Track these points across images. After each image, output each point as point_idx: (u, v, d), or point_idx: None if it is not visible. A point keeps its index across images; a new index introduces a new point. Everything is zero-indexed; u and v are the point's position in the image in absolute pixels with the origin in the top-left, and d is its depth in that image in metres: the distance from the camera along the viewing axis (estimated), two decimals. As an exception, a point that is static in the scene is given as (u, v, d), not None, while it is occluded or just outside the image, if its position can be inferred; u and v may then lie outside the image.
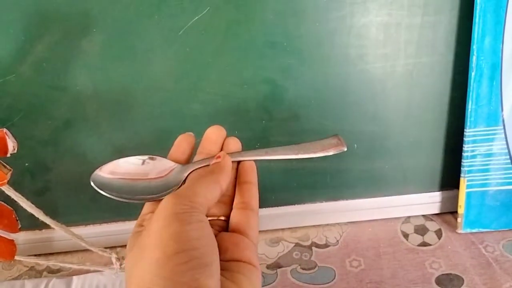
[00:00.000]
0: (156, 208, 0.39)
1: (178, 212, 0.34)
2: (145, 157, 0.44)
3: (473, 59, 0.76)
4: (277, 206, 0.93)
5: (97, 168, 0.43)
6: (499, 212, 0.89)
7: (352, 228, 0.95)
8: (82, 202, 0.88)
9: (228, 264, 0.36)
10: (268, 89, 0.79)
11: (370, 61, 0.78)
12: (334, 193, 0.92)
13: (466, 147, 0.83)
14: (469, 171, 0.85)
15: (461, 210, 0.89)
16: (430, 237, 0.91)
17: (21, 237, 0.89)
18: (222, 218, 0.41)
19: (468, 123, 0.81)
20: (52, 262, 0.71)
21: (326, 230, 0.95)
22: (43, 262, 0.74)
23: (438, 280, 0.81)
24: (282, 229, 0.96)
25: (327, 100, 0.81)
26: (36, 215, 0.61)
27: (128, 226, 0.89)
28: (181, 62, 0.76)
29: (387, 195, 0.93)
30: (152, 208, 0.41)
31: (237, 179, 0.44)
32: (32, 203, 0.60)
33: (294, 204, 0.93)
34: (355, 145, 0.86)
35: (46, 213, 0.62)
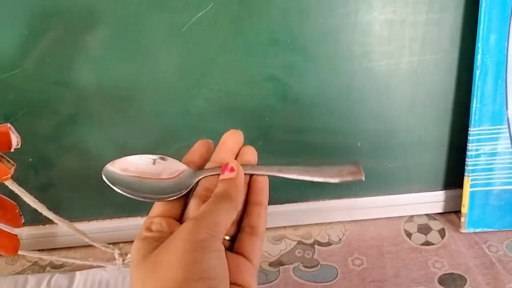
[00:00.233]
0: (164, 211, 0.40)
1: (202, 239, 0.35)
2: (156, 156, 0.44)
3: (478, 57, 0.76)
4: (280, 203, 0.93)
5: (107, 163, 0.43)
6: (503, 212, 0.88)
7: (355, 226, 0.95)
8: (85, 198, 0.89)
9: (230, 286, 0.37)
10: (272, 86, 0.79)
11: (375, 59, 0.78)
12: (337, 191, 0.92)
13: (470, 146, 0.83)
14: (473, 170, 0.85)
15: (464, 209, 0.88)
16: (434, 236, 0.91)
17: (24, 232, 0.89)
18: (227, 238, 0.41)
19: (473, 122, 0.81)
20: (55, 257, 0.72)
21: (329, 228, 0.95)
22: (46, 257, 0.74)
23: (441, 280, 0.81)
24: (285, 227, 0.96)
25: (331, 97, 0.81)
26: (40, 210, 0.61)
27: (131, 222, 0.89)
28: (185, 58, 0.76)
29: (390, 194, 0.93)
30: (160, 211, 0.41)
31: (248, 196, 0.44)
32: (36, 198, 0.60)
33: (297, 202, 0.93)
34: (359, 143, 0.86)
35: (49, 208, 0.62)
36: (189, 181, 0.42)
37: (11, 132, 0.51)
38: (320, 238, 0.93)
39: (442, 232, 0.92)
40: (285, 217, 0.94)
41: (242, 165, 0.42)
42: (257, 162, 0.45)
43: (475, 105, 0.80)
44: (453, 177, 0.90)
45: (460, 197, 0.88)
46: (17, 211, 0.56)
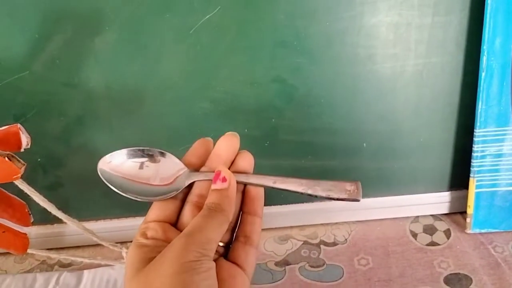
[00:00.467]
0: (160, 215, 0.40)
1: (191, 260, 0.34)
2: (155, 150, 0.43)
3: (484, 59, 0.76)
4: (286, 204, 0.93)
5: (103, 158, 0.43)
6: (508, 213, 0.88)
7: (361, 227, 0.95)
8: (93, 198, 0.90)
9: None
10: (278, 88, 0.79)
11: (380, 61, 0.78)
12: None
13: (475, 147, 0.83)
14: (479, 171, 0.85)
15: (470, 210, 0.89)
16: (439, 236, 0.91)
17: (33, 232, 0.90)
18: (221, 244, 0.41)
19: (478, 124, 0.81)
20: (64, 256, 0.72)
21: (334, 228, 0.96)
22: (54, 256, 0.74)
23: (447, 280, 0.81)
24: (291, 227, 0.96)
25: (336, 99, 0.81)
26: (49, 209, 0.62)
27: (138, 222, 0.88)
28: (192, 60, 0.76)
29: (396, 195, 0.93)
30: (156, 215, 0.40)
31: (242, 205, 0.43)
32: (44, 198, 0.61)
33: (303, 202, 0.94)
34: (364, 144, 0.86)
35: (58, 208, 0.63)
36: (183, 182, 0.42)
37: (21, 132, 0.52)
38: (326, 238, 0.93)
39: (447, 233, 0.92)
40: (291, 217, 0.94)
41: (236, 172, 0.42)
42: (253, 169, 0.44)
43: (480, 107, 0.80)
44: (459, 178, 0.91)
45: (465, 198, 0.89)
46: (26, 210, 0.57)
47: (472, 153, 0.84)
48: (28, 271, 0.89)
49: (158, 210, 0.41)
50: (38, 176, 0.85)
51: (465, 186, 0.88)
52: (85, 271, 0.85)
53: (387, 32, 0.76)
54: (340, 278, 0.84)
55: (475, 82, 0.79)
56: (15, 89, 0.76)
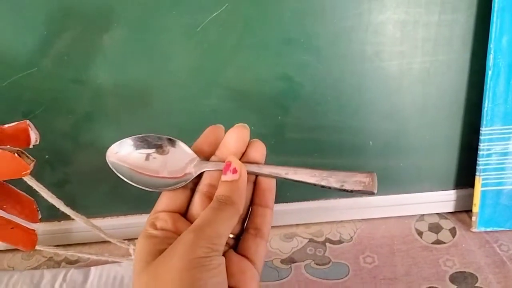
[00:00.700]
0: (169, 204, 0.40)
1: (201, 256, 0.34)
2: (165, 138, 0.42)
3: (490, 58, 0.76)
4: (292, 202, 0.93)
5: (110, 148, 0.42)
6: (514, 212, 0.89)
7: (366, 225, 0.96)
8: (100, 195, 0.90)
9: None
10: (285, 86, 0.80)
11: (387, 59, 0.78)
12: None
13: (481, 145, 0.83)
14: (485, 170, 0.85)
15: (475, 208, 0.89)
16: (444, 235, 0.91)
17: (40, 228, 0.89)
18: (231, 236, 0.41)
19: (484, 122, 0.81)
20: (71, 252, 0.73)
21: (340, 226, 0.96)
22: (62, 252, 0.75)
23: (452, 278, 0.82)
24: (297, 225, 0.97)
25: (343, 97, 0.82)
26: (57, 206, 0.62)
27: (145, 219, 0.89)
28: (199, 58, 0.76)
29: (401, 193, 0.94)
30: (166, 204, 0.40)
31: (253, 196, 0.43)
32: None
33: (308, 200, 0.94)
34: (370, 142, 0.86)
35: (65, 204, 0.63)
36: (193, 172, 0.41)
37: (30, 129, 0.52)
38: (332, 236, 0.93)
39: (453, 231, 0.92)
40: (296, 215, 0.95)
41: (247, 163, 0.41)
42: (264, 158, 0.43)
43: (487, 105, 0.80)
44: (464, 176, 0.91)
45: (471, 196, 0.89)
46: (34, 206, 0.57)
47: (478, 152, 0.84)
48: (35, 268, 0.90)
49: (167, 200, 0.40)
50: (45, 173, 0.86)
51: (471, 185, 0.88)
52: (92, 268, 0.85)
53: (394, 30, 0.76)
54: (346, 276, 0.84)
55: (481, 80, 0.79)
56: (23, 86, 0.76)
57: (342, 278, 0.83)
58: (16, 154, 0.48)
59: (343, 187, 0.39)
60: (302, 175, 0.40)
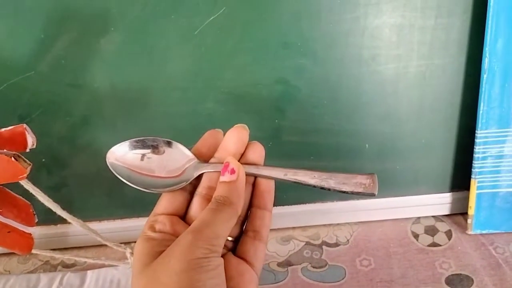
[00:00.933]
0: (168, 207, 0.40)
1: (199, 257, 0.34)
2: (161, 140, 0.42)
3: (486, 61, 0.77)
4: (289, 205, 0.94)
5: (110, 150, 0.42)
6: (509, 214, 0.89)
7: (363, 228, 0.96)
8: (97, 199, 0.90)
9: None
10: (282, 89, 0.80)
11: (383, 62, 0.78)
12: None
13: (477, 148, 0.84)
14: (480, 173, 0.86)
15: (471, 211, 0.89)
16: (440, 237, 0.92)
17: (37, 232, 0.90)
18: (230, 239, 0.41)
19: (480, 125, 0.82)
20: (68, 256, 0.72)
21: (336, 229, 0.96)
22: (58, 256, 0.74)
23: (448, 280, 0.82)
24: (293, 228, 0.97)
25: (339, 100, 0.82)
26: (54, 210, 0.62)
27: (142, 222, 0.89)
28: (197, 61, 0.77)
29: (397, 196, 0.94)
30: (165, 207, 0.40)
31: (252, 198, 0.42)
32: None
33: (305, 203, 0.94)
34: (367, 145, 0.87)
35: (62, 208, 0.63)
36: (191, 174, 0.41)
37: (27, 133, 0.52)
38: (328, 239, 0.94)
39: (449, 234, 0.92)
40: (293, 218, 0.95)
41: (246, 164, 0.41)
42: (263, 160, 0.42)
43: (482, 108, 0.80)
44: (460, 179, 0.91)
45: (466, 199, 0.89)
46: (31, 210, 0.57)
47: (474, 155, 0.85)
48: (32, 272, 0.90)
49: (167, 202, 0.40)
50: (42, 177, 0.85)
51: (466, 188, 0.89)
52: (89, 272, 0.85)
53: (390, 34, 0.76)
54: (342, 278, 0.84)
55: (477, 83, 0.79)
56: (20, 89, 0.76)
57: (338, 281, 0.84)
58: (12, 158, 0.48)
59: (343, 189, 0.39)
60: (301, 177, 0.40)
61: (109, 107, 0.80)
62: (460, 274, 0.83)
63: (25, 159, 0.52)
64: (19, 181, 0.54)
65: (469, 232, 0.91)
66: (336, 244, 0.92)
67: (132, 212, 0.92)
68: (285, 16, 0.74)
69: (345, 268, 0.86)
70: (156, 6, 0.71)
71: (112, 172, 0.42)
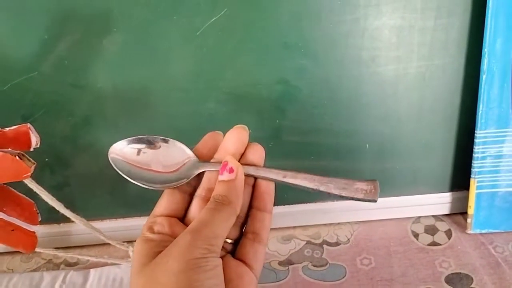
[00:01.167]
0: (167, 208, 0.40)
1: (197, 257, 0.34)
2: (158, 138, 0.43)
3: (485, 61, 0.77)
4: (289, 204, 0.94)
5: (112, 146, 0.43)
6: (508, 213, 0.89)
7: (363, 227, 0.96)
8: (100, 197, 0.90)
9: None
10: (282, 89, 0.80)
11: (383, 63, 0.79)
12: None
13: (476, 148, 0.84)
14: (479, 173, 0.86)
15: (471, 211, 0.89)
16: (440, 237, 0.92)
17: (40, 231, 0.89)
18: (229, 241, 0.41)
19: (479, 125, 0.82)
20: (71, 255, 0.73)
21: (337, 228, 0.96)
22: (61, 255, 0.75)
23: (448, 279, 0.82)
24: (294, 227, 0.97)
25: (340, 101, 0.82)
26: (57, 208, 0.63)
27: (144, 221, 0.90)
28: (198, 62, 0.77)
29: (397, 195, 0.94)
30: (164, 208, 0.40)
31: (252, 200, 0.42)
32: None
33: (306, 203, 0.94)
34: (367, 145, 0.87)
35: (65, 207, 0.64)
36: (191, 172, 0.41)
37: (31, 132, 0.52)
38: (329, 238, 0.94)
39: (448, 233, 0.93)
40: (294, 217, 0.95)
41: (245, 165, 0.41)
42: (264, 162, 0.42)
43: (481, 108, 0.81)
44: (460, 179, 0.91)
45: (466, 198, 0.89)
46: (34, 209, 0.57)
47: (473, 155, 0.85)
48: (35, 270, 0.90)
49: (166, 203, 0.41)
50: (45, 176, 0.86)
51: (466, 187, 0.89)
52: (92, 270, 0.86)
53: (390, 35, 0.77)
54: (343, 277, 0.85)
55: (476, 84, 0.80)
56: (24, 89, 0.77)
57: (339, 280, 0.84)
58: (17, 157, 0.48)
59: (343, 194, 0.39)
60: (300, 180, 0.40)
61: (111, 107, 0.80)
62: (460, 273, 0.83)
63: (29, 158, 0.52)
64: (23, 180, 0.55)
65: (469, 231, 0.91)
66: (337, 243, 0.92)
67: (134, 211, 0.92)
68: (286, 17, 0.74)
69: (346, 267, 0.87)
70: (158, 7, 0.72)
71: (113, 169, 0.42)
